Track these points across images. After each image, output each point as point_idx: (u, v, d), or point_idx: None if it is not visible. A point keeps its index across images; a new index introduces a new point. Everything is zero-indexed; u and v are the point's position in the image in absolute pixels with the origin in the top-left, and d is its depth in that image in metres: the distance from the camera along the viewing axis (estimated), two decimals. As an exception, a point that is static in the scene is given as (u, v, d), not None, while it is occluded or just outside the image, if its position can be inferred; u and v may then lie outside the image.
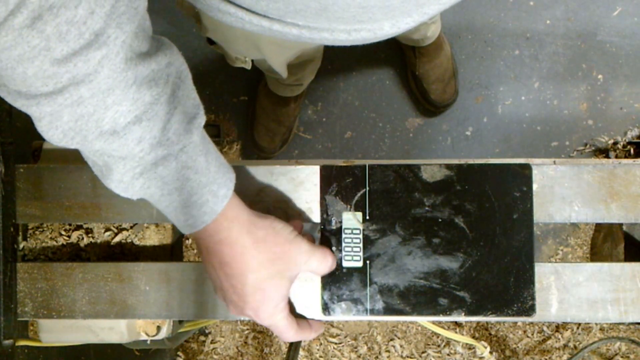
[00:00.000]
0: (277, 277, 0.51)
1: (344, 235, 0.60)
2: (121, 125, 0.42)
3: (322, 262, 0.56)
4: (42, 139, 0.67)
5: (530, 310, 0.59)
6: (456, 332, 1.33)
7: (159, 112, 0.43)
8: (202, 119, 0.48)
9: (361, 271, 0.59)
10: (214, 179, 0.49)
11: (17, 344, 0.62)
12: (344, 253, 0.60)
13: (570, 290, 0.60)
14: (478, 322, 1.35)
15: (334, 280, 0.59)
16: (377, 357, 1.36)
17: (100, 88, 0.40)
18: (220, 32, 0.78)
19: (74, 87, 0.39)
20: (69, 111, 0.40)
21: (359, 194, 0.60)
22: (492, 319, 0.60)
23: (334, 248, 0.60)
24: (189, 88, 0.47)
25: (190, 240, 1.36)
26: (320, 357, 1.36)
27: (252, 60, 0.90)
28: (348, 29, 0.52)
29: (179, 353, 1.35)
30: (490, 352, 1.33)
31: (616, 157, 1.37)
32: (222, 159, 0.51)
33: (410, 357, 1.36)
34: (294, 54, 0.91)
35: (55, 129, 0.42)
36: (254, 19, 0.51)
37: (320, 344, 1.36)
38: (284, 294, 0.53)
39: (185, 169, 0.47)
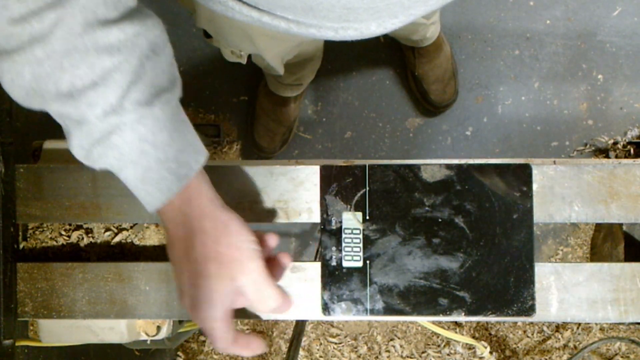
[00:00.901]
0: (215, 279, 0.48)
1: (344, 235, 0.60)
2: (77, 88, 0.42)
3: (260, 303, 0.51)
4: (42, 139, 0.67)
5: (530, 310, 0.59)
6: (456, 332, 1.33)
7: (118, 80, 0.43)
8: (173, 95, 0.47)
9: (361, 271, 0.59)
10: (174, 157, 0.46)
11: (17, 344, 0.62)
12: (344, 253, 0.60)
13: (570, 290, 0.60)
14: (478, 322, 1.35)
15: (334, 280, 0.59)
16: (377, 357, 1.36)
17: (55, 49, 0.40)
18: (215, 23, 0.78)
19: (30, 46, 0.40)
20: (29, 70, 0.41)
21: (359, 194, 0.60)
22: (492, 319, 0.60)
23: (334, 248, 0.60)
24: (164, 62, 0.46)
25: (190, 240, 1.36)
26: (320, 357, 1.36)
27: (251, 57, 0.90)
28: (335, 26, 0.52)
29: (179, 353, 1.35)
30: (490, 352, 1.33)
31: (616, 157, 1.37)
32: (196, 140, 0.49)
33: (410, 357, 1.36)
34: (289, 49, 0.90)
35: (19, 87, 0.42)
36: (244, 9, 0.51)
37: (320, 344, 1.36)
38: (222, 301, 0.48)
39: (143, 142, 0.45)
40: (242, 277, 0.49)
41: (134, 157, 0.45)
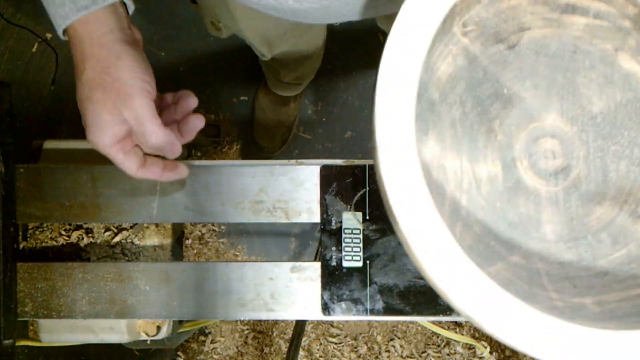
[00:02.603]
0: (101, 105, 0.48)
1: (344, 235, 0.60)
2: None
3: (142, 138, 0.51)
4: (42, 139, 0.67)
5: (530, 310, 0.59)
6: (456, 332, 1.34)
7: None
8: None
9: (361, 271, 0.59)
10: None
11: (17, 344, 0.62)
12: (344, 253, 0.60)
13: (570, 290, 0.60)
14: (478, 322, 1.35)
15: (334, 280, 0.59)
16: (377, 357, 1.36)
17: None
18: None
19: None
20: None
21: (359, 194, 0.60)
22: (492, 319, 0.60)
23: (334, 248, 0.60)
24: None
25: (190, 240, 1.36)
26: (320, 357, 1.36)
27: (246, 41, 0.88)
28: None
29: (179, 353, 1.35)
30: (490, 352, 1.34)
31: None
32: None
33: (410, 357, 1.36)
34: (271, 29, 0.86)
35: None
36: None
37: (320, 344, 1.36)
38: (109, 127, 0.49)
39: None
40: (126, 111, 0.49)
41: None
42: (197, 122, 0.56)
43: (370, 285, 0.59)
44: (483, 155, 0.48)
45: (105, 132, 0.49)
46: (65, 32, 0.49)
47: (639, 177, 0.47)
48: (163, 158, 0.54)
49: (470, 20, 0.45)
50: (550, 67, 0.48)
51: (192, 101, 0.56)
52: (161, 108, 0.56)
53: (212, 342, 1.37)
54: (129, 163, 0.51)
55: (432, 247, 0.35)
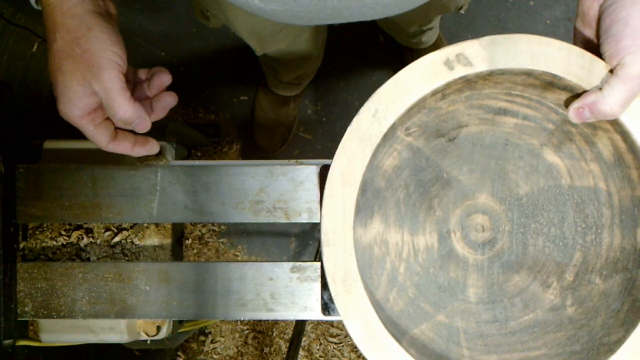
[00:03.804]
0: (70, 76, 0.48)
1: (343, 235, 0.60)
2: None
3: (111, 111, 0.50)
4: (42, 139, 0.67)
5: (530, 310, 0.60)
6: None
7: None
8: None
9: (361, 271, 0.59)
10: None
11: (17, 344, 0.62)
12: (343, 253, 0.60)
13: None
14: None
15: (333, 280, 0.59)
16: (377, 357, 1.36)
17: None
18: None
19: None
20: None
21: (358, 194, 0.60)
22: (492, 319, 0.60)
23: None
24: None
25: (190, 240, 1.36)
26: (320, 357, 1.36)
27: (243, 36, 0.88)
28: None
29: (179, 353, 1.35)
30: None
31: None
32: None
33: (410, 357, 1.36)
34: (261, 24, 0.85)
35: None
36: None
37: (320, 344, 1.36)
38: (79, 98, 0.49)
39: None
40: (95, 83, 0.49)
41: None
42: (170, 99, 0.56)
43: (370, 285, 0.59)
44: (422, 228, 0.57)
45: (75, 103, 0.49)
46: (38, 1, 0.49)
47: (552, 252, 0.55)
48: (135, 133, 0.54)
49: (413, 125, 0.51)
50: (484, 155, 0.56)
51: (166, 78, 0.56)
52: (134, 84, 0.56)
53: (212, 342, 1.37)
54: (99, 136, 0.51)
55: (361, 323, 0.46)
